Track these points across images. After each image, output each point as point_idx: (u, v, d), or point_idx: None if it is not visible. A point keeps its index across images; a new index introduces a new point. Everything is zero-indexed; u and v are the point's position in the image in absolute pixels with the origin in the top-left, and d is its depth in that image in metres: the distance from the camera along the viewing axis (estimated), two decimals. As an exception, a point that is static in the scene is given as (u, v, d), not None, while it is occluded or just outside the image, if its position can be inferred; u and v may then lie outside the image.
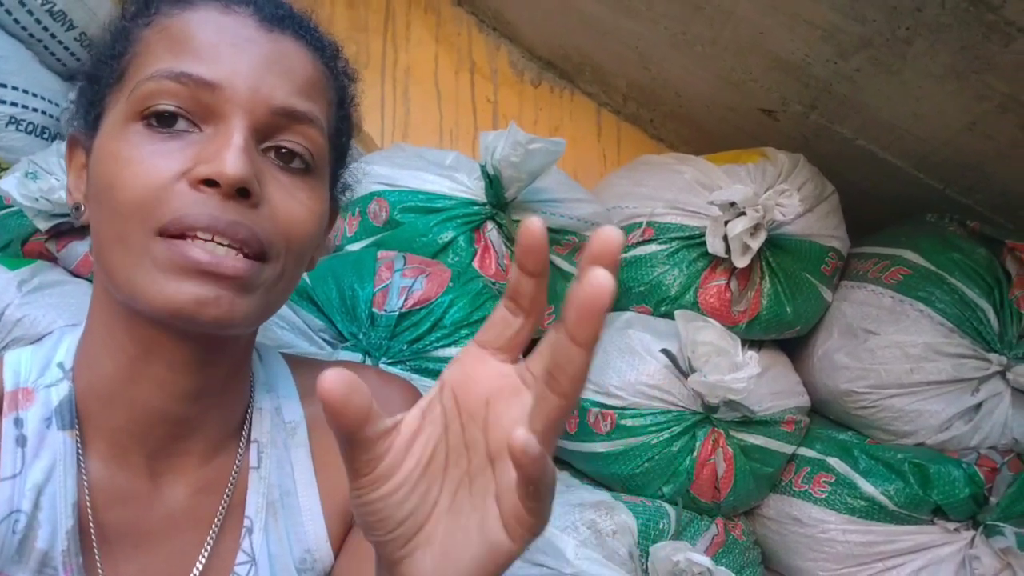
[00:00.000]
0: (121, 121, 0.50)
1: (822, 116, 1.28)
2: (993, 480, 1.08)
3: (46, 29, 1.22)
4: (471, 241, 1.07)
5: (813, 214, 1.20)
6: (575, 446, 1.14)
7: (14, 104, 1.17)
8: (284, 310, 0.94)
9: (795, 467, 1.18)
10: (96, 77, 0.55)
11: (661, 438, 1.07)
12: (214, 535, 0.58)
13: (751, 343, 1.21)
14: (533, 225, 0.34)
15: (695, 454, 1.07)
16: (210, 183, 0.47)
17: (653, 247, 1.18)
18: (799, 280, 1.18)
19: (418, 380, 0.94)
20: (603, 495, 1.09)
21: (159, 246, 0.47)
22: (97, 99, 0.54)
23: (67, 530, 0.53)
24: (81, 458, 0.55)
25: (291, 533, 0.62)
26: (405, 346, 0.95)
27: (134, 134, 0.49)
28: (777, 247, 1.16)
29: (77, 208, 0.56)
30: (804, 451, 1.19)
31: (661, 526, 1.04)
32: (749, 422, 1.11)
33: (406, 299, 0.96)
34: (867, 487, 1.10)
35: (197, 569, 0.57)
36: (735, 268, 1.11)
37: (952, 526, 1.08)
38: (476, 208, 1.08)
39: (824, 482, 1.14)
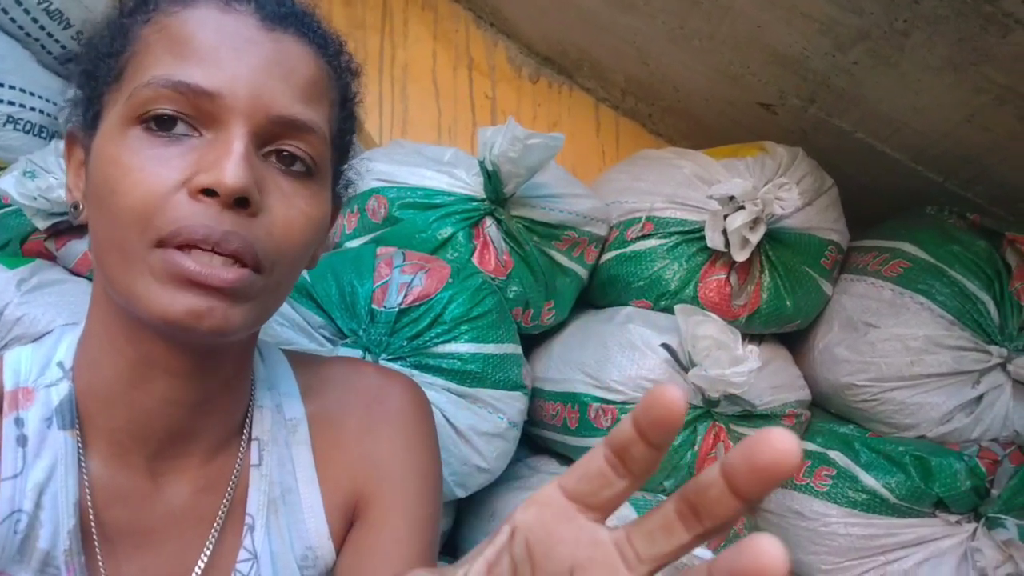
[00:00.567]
0: (120, 124, 0.49)
1: (820, 109, 1.27)
2: (994, 472, 1.08)
3: (43, 28, 1.22)
4: (470, 237, 1.07)
5: (812, 207, 1.20)
6: (576, 441, 1.13)
7: (12, 103, 1.17)
8: (284, 307, 0.94)
9: (796, 461, 1.18)
10: (94, 74, 0.54)
11: (662, 433, 1.06)
12: (216, 533, 0.58)
13: (751, 337, 1.21)
14: (672, 394, 0.29)
15: (696, 448, 1.07)
16: (209, 192, 0.47)
17: (652, 242, 1.18)
18: (799, 274, 1.18)
19: (418, 376, 0.94)
20: (604, 490, 1.08)
21: (156, 256, 0.47)
22: (95, 96, 0.53)
23: (69, 529, 0.53)
24: (82, 458, 0.55)
25: (293, 530, 0.61)
26: (405, 342, 0.95)
27: (133, 139, 0.48)
28: (777, 241, 1.16)
29: (76, 207, 0.55)
30: (805, 445, 1.19)
31: (662, 521, 1.03)
32: (750, 416, 1.11)
33: (406, 295, 0.96)
34: (868, 480, 1.10)
35: (199, 567, 0.57)
36: (735, 262, 1.11)
37: (954, 519, 1.08)
38: (475, 204, 1.08)
39: (825, 475, 1.13)
